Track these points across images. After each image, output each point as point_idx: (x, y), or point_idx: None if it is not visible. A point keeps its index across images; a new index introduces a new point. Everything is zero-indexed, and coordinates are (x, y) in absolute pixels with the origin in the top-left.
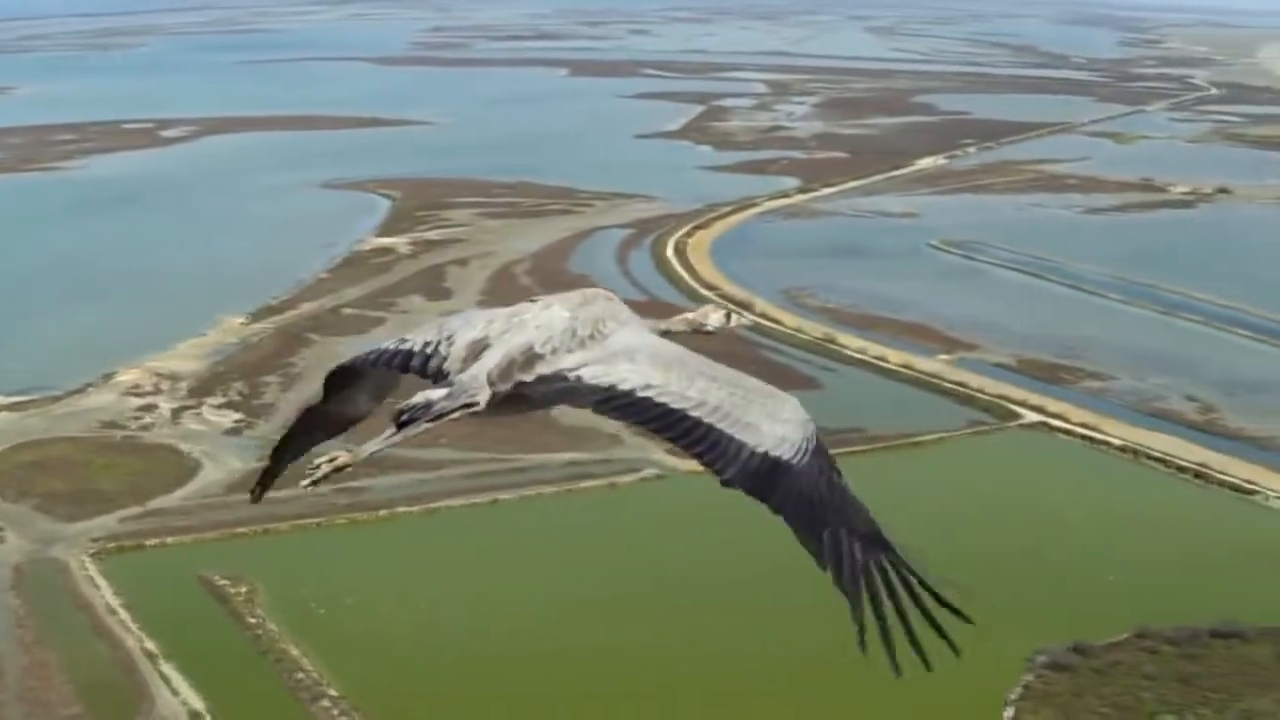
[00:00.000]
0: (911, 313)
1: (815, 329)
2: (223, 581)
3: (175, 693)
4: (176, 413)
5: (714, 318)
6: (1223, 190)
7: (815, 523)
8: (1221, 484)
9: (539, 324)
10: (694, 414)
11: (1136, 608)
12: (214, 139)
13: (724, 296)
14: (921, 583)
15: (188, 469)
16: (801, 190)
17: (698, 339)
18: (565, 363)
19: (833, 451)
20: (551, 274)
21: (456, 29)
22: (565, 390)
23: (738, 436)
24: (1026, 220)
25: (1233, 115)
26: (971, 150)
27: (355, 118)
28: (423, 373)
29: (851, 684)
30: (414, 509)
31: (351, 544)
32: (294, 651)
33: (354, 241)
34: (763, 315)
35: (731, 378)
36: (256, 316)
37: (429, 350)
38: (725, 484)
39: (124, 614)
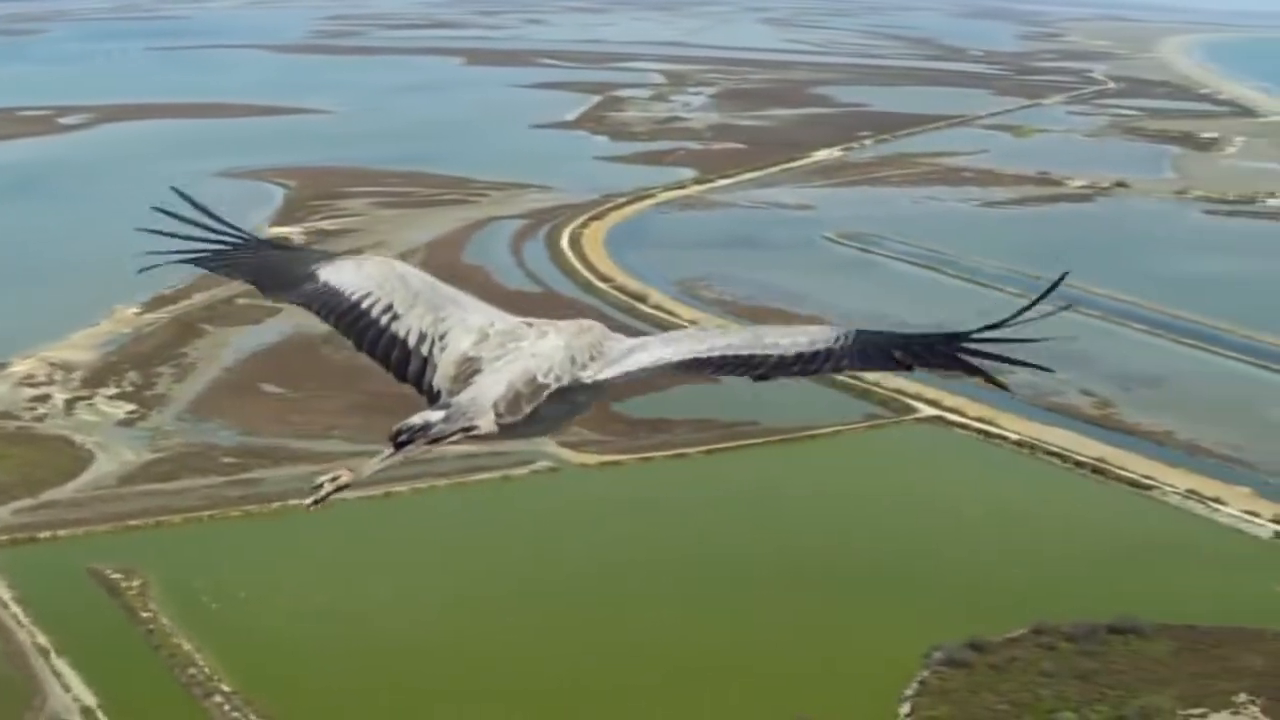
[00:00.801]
0: (807, 305)
1: (710, 321)
2: (115, 575)
3: (67, 688)
4: (70, 403)
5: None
6: (1120, 184)
7: (883, 362)
8: (1119, 479)
9: (535, 353)
10: (712, 354)
11: (1034, 603)
12: (112, 126)
13: (619, 288)
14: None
15: (81, 460)
16: (698, 181)
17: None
18: (568, 380)
19: (728, 445)
20: (445, 265)
21: (354, 17)
22: (586, 400)
23: (767, 351)
24: (923, 213)
25: (1131, 109)
26: (868, 142)
27: (253, 106)
28: (417, 384)
29: (749, 680)
30: (307, 502)
31: (245, 536)
32: (187, 646)
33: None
34: (658, 307)
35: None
36: (150, 306)
37: (424, 352)
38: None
39: (16, 608)
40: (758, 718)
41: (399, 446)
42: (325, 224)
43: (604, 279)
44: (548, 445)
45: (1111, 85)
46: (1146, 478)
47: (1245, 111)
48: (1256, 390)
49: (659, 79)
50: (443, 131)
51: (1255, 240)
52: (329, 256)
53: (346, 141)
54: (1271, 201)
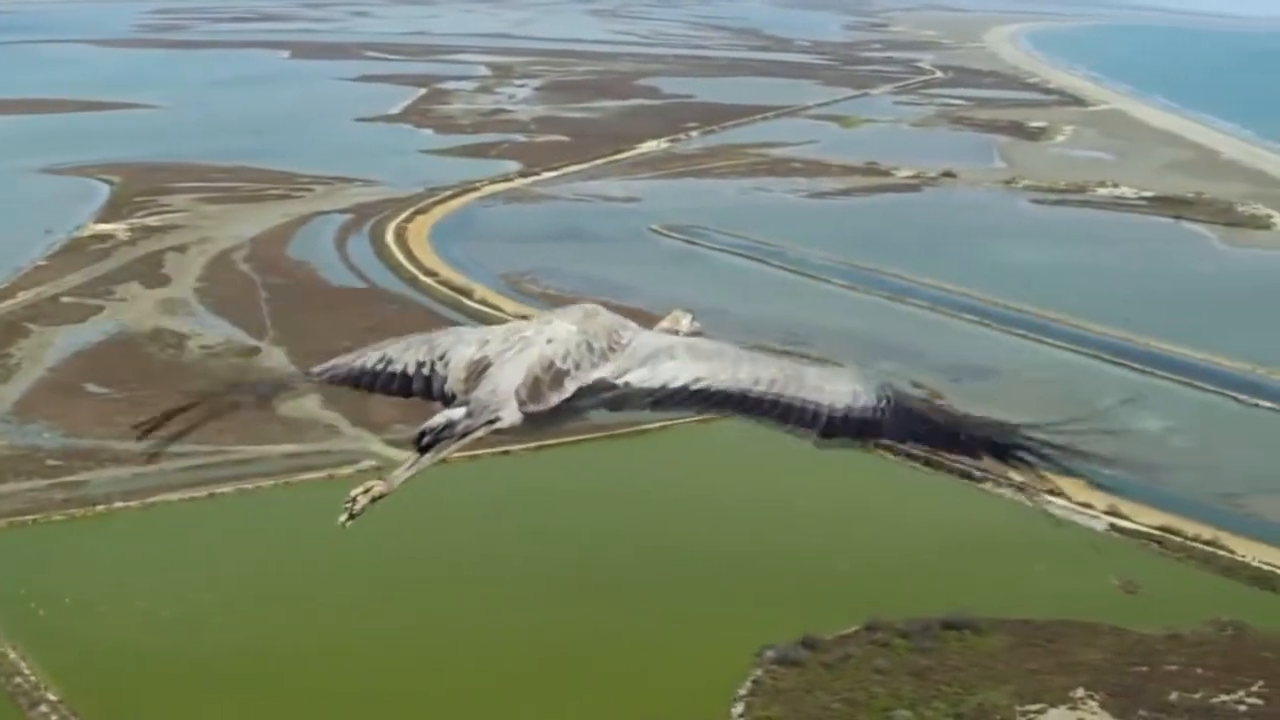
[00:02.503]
0: (633, 298)
1: (536, 315)
2: None
3: None
4: None
5: (684, 322)
6: (948, 174)
7: (945, 442)
8: (951, 471)
9: (549, 339)
10: (753, 392)
11: (867, 599)
12: None
13: (444, 283)
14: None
15: None
16: (523, 174)
17: None
18: (602, 373)
19: (558, 442)
20: (270, 260)
21: (180, 10)
22: (614, 399)
23: (808, 400)
24: (750, 204)
25: (959, 99)
26: (695, 134)
27: (77, 101)
28: (426, 395)
29: (577, 681)
30: (132, 504)
31: (69, 541)
32: (12, 655)
33: (73, 228)
34: (483, 301)
35: (776, 358)
36: None
37: (425, 372)
38: (821, 442)
39: None
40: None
41: (423, 450)
42: (150, 220)
43: (429, 273)
44: (373, 444)
45: (939, 75)
46: (979, 470)
47: (1073, 100)
48: (1088, 380)
49: (485, 71)
50: (268, 126)
51: (1084, 229)
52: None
53: (171, 137)
54: (1100, 191)
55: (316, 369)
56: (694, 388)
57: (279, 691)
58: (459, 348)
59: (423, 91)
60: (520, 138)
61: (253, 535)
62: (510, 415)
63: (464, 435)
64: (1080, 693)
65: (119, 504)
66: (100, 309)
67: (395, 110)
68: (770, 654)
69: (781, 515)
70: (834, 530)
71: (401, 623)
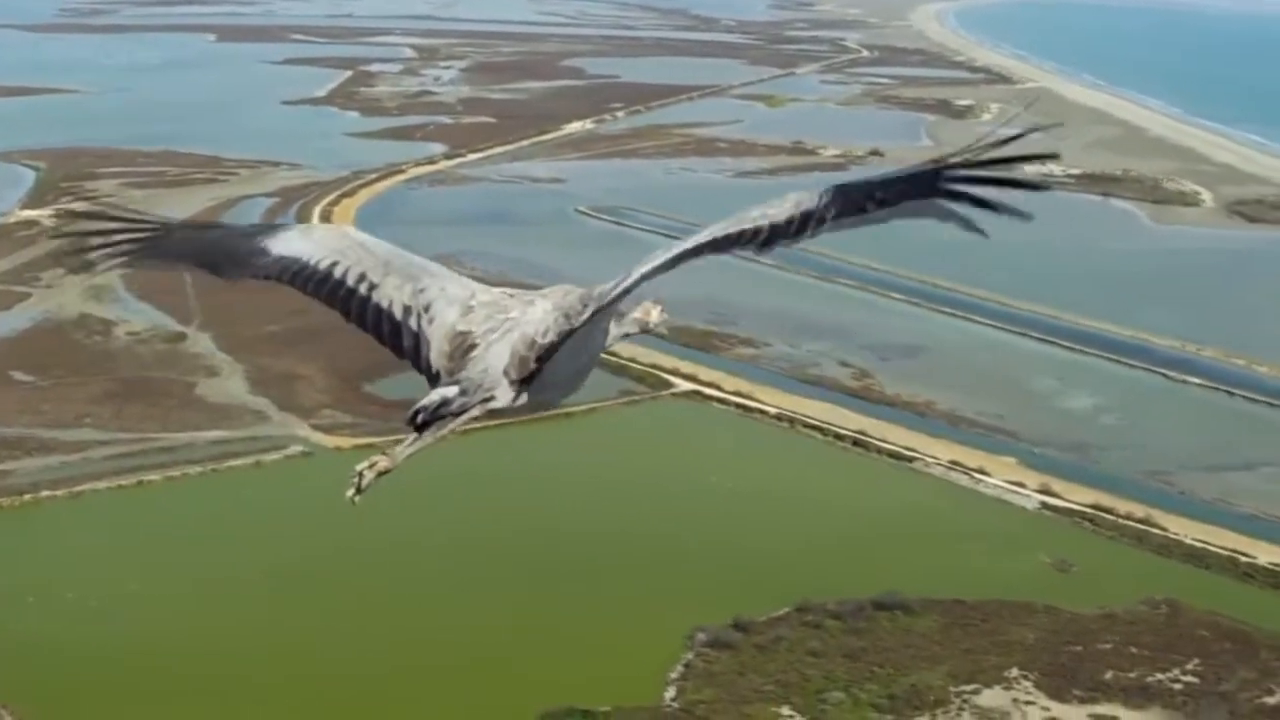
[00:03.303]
0: (562, 279)
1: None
2: None
3: None
4: None
5: (655, 314)
6: (875, 153)
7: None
8: (881, 451)
9: (527, 320)
10: (704, 244)
11: (798, 580)
12: None
13: None
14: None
15: None
16: (449, 156)
17: None
18: (566, 325)
19: (483, 426)
20: None
21: None
22: (596, 336)
23: (758, 225)
24: (676, 185)
25: (885, 78)
26: (621, 114)
27: (2, 86)
28: (412, 358)
29: (508, 666)
30: (59, 493)
31: None
32: None
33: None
34: None
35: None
36: None
37: (414, 325)
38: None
39: None
40: (520, 706)
41: (420, 427)
42: (77, 205)
43: None
44: (301, 429)
45: (865, 54)
46: (908, 449)
47: (1000, 78)
48: (1018, 359)
49: (410, 53)
50: (194, 109)
51: None
52: (272, 228)
53: (97, 121)
54: (1027, 169)
55: (259, 245)
56: (660, 266)
57: (208, 678)
58: (441, 305)
59: (348, 74)
60: (446, 120)
61: (181, 523)
62: (504, 396)
63: (460, 413)
64: (1015, 672)
65: (46, 493)
66: (26, 295)
67: (321, 93)
68: (702, 636)
69: (710, 497)
70: (763, 512)
71: (329, 607)
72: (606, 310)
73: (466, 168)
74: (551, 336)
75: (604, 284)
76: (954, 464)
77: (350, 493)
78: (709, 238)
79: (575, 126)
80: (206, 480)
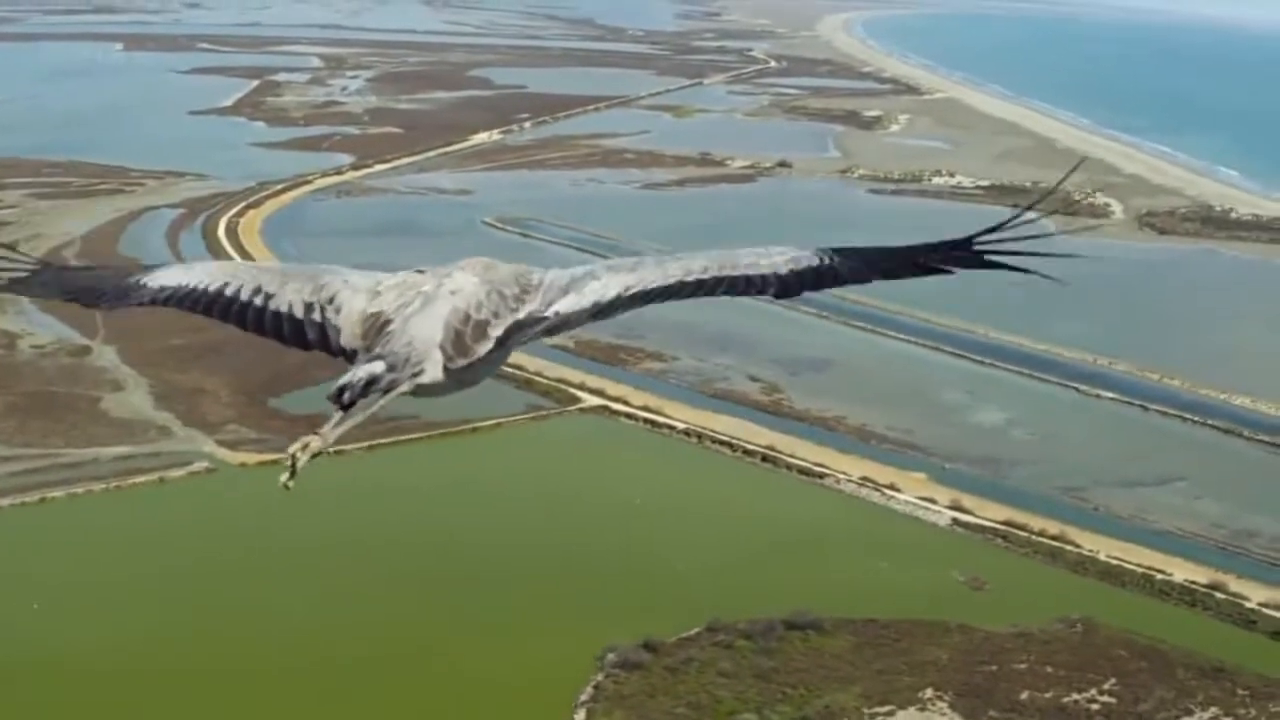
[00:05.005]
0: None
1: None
2: None
3: None
4: None
5: None
6: (783, 164)
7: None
8: (790, 467)
9: (454, 290)
10: (690, 279)
11: (707, 599)
12: None
13: None
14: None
15: None
16: (355, 167)
17: None
18: (528, 309)
19: (389, 441)
20: (101, 256)
21: (10, 2)
22: (549, 328)
23: (752, 273)
24: (583, 196)
25: (793, 88)
26: (527, 125)
27: None
28: (322, 346)
29: (411, 686)
30: (283, 477)
31: None
32: None
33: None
34: None
35: (702, 252)
36: None
37: (316, 317)
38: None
39: None
40: None
41: (345, 406)
42: None
43: None
44: (206, 445)
45: (773, 64)
46: (818, 465)
47: (908, 89)
48: (927, 373)
49: (317, 63)
50: (100, 119)
51: (921, 219)
52: (151, 268)
53: (2, 131)
54: (936, 180)
55: (138, 280)
56: (628, 295)
57: (107, 694)
58: (347, 294)
59: (255, 84)
60: (353, 130)
61: (82, 540)
62: (434, 369)
63: (389, 390)
64: (929, 693)
65: None
66: None
67: (228, 103)
68: (611, 657)
69: (620, 514)
70: (673, 528)
71: (230, 621)
72: (573, 318)
73: (373, 179)
74: (488, 315)
75: (541, 270)
76: (865, 480)
77: (284, 477)
78: (706, 277)
79: (482, 137)
80: (110, 497)
